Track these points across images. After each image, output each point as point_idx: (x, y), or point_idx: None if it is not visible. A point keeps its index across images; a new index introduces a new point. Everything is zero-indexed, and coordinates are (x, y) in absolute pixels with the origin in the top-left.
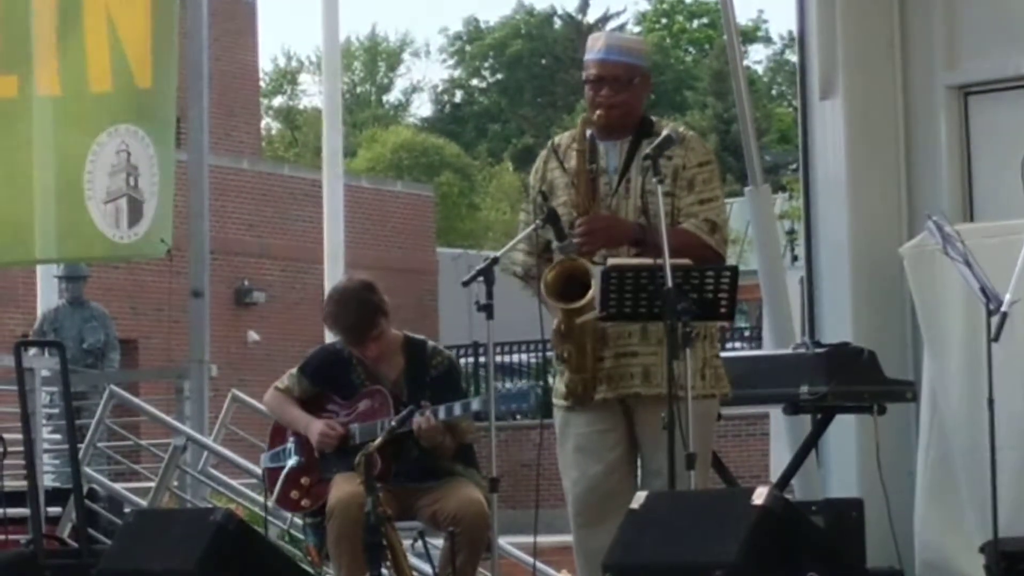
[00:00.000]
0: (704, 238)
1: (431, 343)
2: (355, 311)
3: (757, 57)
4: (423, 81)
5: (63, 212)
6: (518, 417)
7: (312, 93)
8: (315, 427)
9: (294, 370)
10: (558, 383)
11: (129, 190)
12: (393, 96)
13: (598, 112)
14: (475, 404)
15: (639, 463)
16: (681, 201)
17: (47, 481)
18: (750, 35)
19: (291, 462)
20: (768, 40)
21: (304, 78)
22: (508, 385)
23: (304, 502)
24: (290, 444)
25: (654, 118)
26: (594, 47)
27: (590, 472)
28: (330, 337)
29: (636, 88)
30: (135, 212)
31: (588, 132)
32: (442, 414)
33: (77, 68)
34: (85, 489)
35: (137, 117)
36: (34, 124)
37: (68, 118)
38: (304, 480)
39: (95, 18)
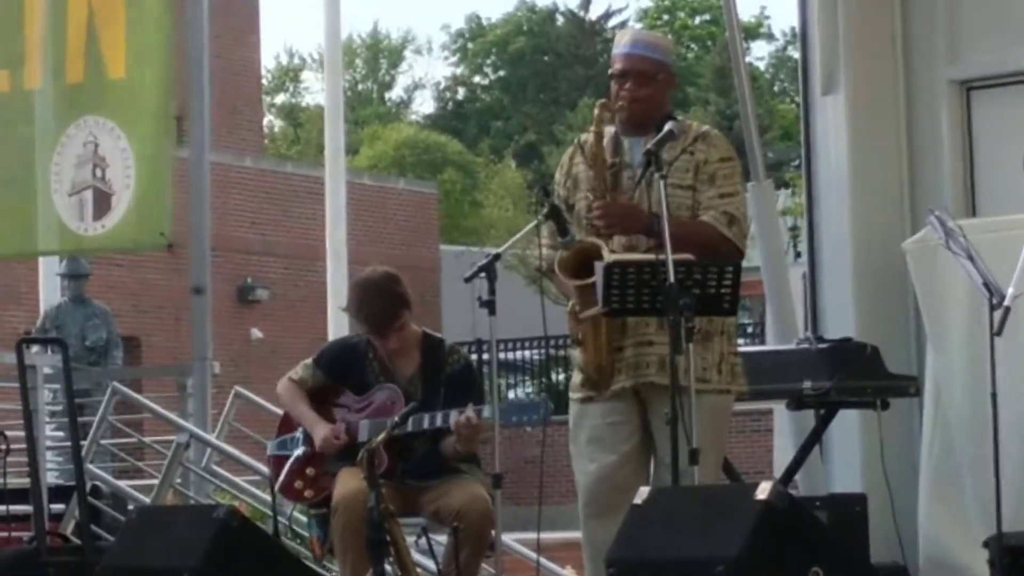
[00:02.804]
0: (722, 230)
1: (449, 342)
2: (380, 301)
3: (759, 53)
4: (425, 78)
5: (30, 206)
6: (528, 428)
7: (314, 90)
8: (320, 431)
9: (309, 360)
10: (575, 375)
11: (96, 182)
12: (395, 93)
13: (620, 104)
14: (485, 411)
15: (652, 457)
16: (702, 195)
17: (50, 478)
18: (752, 31)
19: (298, 452)
20: (770, 36)
21: (306, 75)
22: (519, 394)
23: (308, 493)
24: (299, 433)
25: (678, 116)
26: (620, 42)
27: (603, 463)
28: (332, 334)
29: (660, 83)
30: (102, 204)
31: (612, 129)
32: (453, 417)
33: (58, 60)
34: (88, 486)
35: (106, 108)
36: (12, 119)
37: (43, 111)
38: (309, 471)
39: (77, 9)
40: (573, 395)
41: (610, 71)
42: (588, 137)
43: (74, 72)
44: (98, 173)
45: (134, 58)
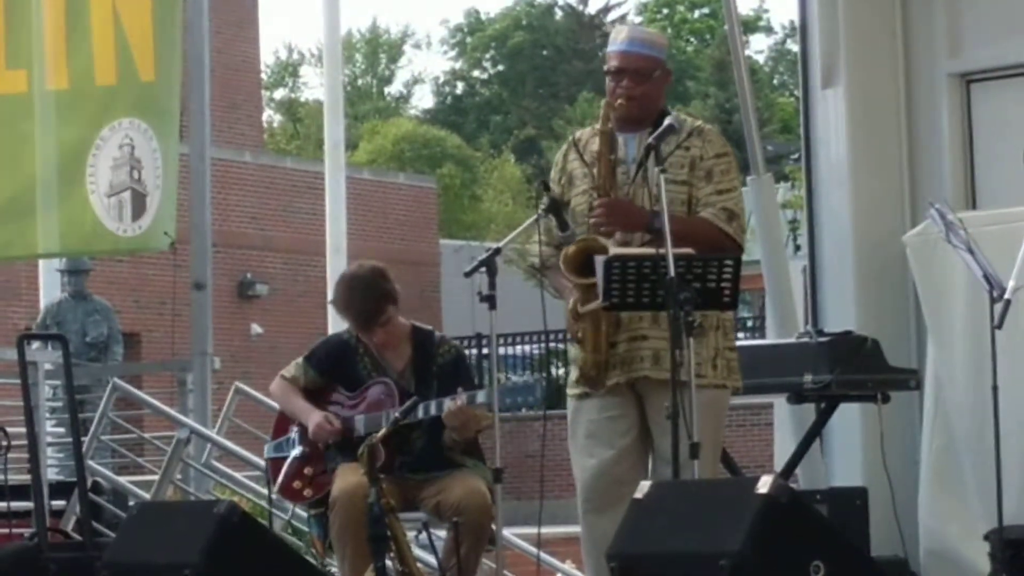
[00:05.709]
0: (722, 226)
1: (439, 333)
2: (364, 296)
3: (759, 47)
4: (424, 73)
5: (65, 206)
6: (523, 410)
7: (314, 85)
8: (314, 418)
9: (300, 359)
10: (572, 372)
11: (132, 183)
12: (394, 88)
13: (619, 102)
14: (480, 397)
15: (651, 451)
16: (699, 191)
17: (51, 474)
18: (751, 25)
19: (294, 452)
20: (769, 30)
21: (305, 70)
22: (514, 378)
23: (307, 492)
24: (293, 434)
25: (673, 111)
26: (617, 39)
27: (602, 457)
28: (333, 329)
29: (656, 81)
30: (138, 206)
31: (609, 125)
32: (447, 405)
33: (84, 61)
34: (89, 482)
35: (140, 110)
36: (37, 118)
37: (73, 112)
38: (307, 470)
39: (101, 11)
40: (570, 392)
41: (606, 67)
42: (583, 134)
43: (105, 74)
44: (135, 175)
45: (161, 61)
